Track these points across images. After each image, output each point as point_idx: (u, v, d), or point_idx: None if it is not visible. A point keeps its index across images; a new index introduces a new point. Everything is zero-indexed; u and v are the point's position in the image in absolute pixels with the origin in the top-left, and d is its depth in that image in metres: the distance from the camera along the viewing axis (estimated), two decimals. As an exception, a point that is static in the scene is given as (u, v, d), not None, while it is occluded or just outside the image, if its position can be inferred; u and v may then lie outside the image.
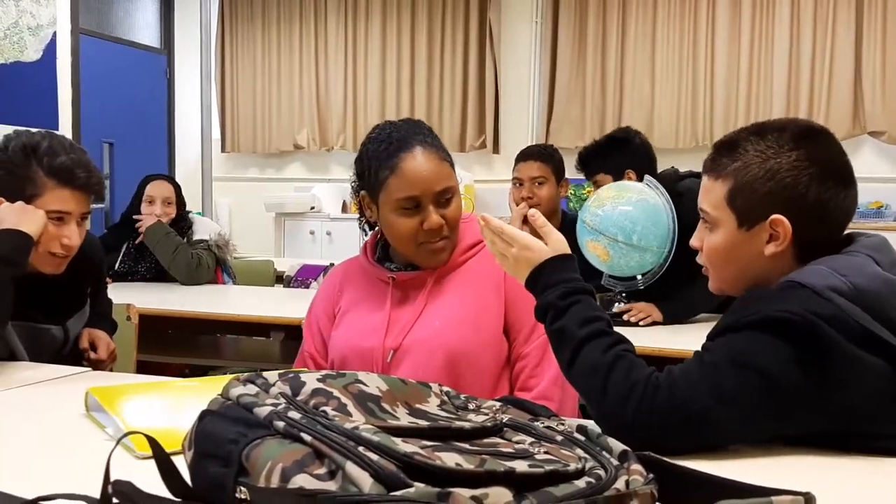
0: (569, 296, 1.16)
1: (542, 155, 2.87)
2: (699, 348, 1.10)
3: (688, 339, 2.10)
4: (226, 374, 2.12)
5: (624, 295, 2.46)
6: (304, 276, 3.41)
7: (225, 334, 3.23)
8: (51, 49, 4.46)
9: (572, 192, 4.80)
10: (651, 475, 0.74)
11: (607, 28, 5.59)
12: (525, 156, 2.89)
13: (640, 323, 2.33)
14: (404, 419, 0.83)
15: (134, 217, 3.21)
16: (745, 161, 1.14)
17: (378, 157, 1.44)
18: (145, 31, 6.25)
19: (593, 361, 1.10)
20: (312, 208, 6.01)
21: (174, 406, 1.21)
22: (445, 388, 0.96)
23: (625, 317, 2.35)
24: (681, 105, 5.45)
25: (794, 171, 1.11)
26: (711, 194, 1.18)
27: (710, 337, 1.11)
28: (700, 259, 1.24)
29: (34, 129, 1.67)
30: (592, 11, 5.60)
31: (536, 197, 2.79)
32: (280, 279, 3.65)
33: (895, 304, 1.06)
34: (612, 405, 1.05)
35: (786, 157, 1.11)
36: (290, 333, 2.65)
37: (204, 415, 0.82)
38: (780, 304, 1.04)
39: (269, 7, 6.44)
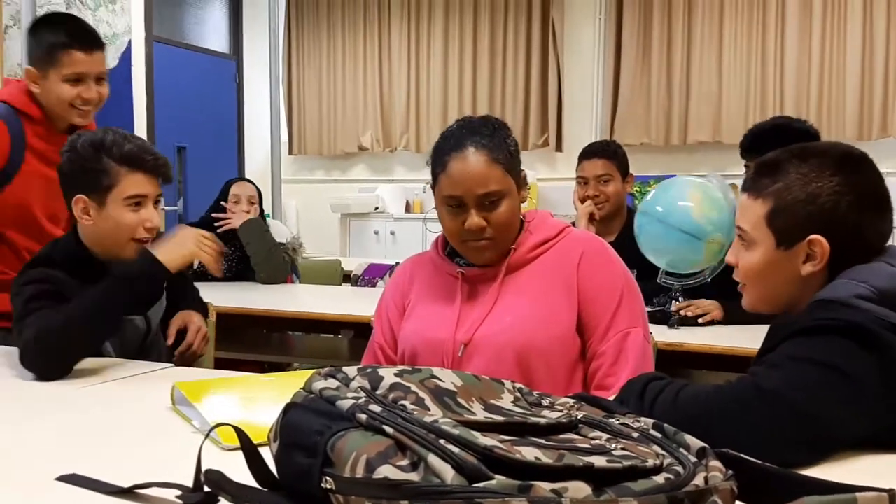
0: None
1: (606, 152, 2.83)
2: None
3: (744, 336, 2.06)
4: (295, 371, 2.17)
5: (680, 292, 2.43)
6: (371, 276, 3.46)
7: (296, 332, 3.30)
8: (126, 56, 4.62)
9: (637, 189, 4.74)
10: (730, 472, 0.74)
11: (673, 23, 5.51)
12: (589, 154, 2.86)
13: (700, 321, 2.29)
14: (480, 414, 0.84)
15: (214, 215, 3.29)
16: (786, 183, 1.16)
17: (437, 153, 1.49)
18: (215, 37, 6.41)
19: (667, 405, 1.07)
20: (377, 208, 6.09)
21: (255, 400, 1.25)
22: (518, 385, 0.97)
23: (682, 312, 2.31)
24: (750, 101, 5.34)
25: (835, 195, 1.13)
26: (750, 213, 1.20)
27: (754, 362, 1.12)
28: (736, 276, 1.26)
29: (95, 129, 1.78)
30: (658, 7, 5.53)
31: (603, 195, 2.76)
32: (347, 278, 3.71)
33: None
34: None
35: (827, 181, 1.14)
36: (359, 331, 2.70)
37: (289, 407, 0.85)
38: (815, 316, 1.07)
39: (334, 12, 6.54)
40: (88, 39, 2.09)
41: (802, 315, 1.10)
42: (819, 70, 5.17)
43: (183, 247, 1.65)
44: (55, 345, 1.53)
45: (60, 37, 2.05)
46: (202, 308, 1.97)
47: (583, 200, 2.78)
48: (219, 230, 3.24)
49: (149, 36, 5.27)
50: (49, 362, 1.54)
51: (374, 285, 3.42)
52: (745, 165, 2.45)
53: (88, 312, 1.57)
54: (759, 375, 1.03)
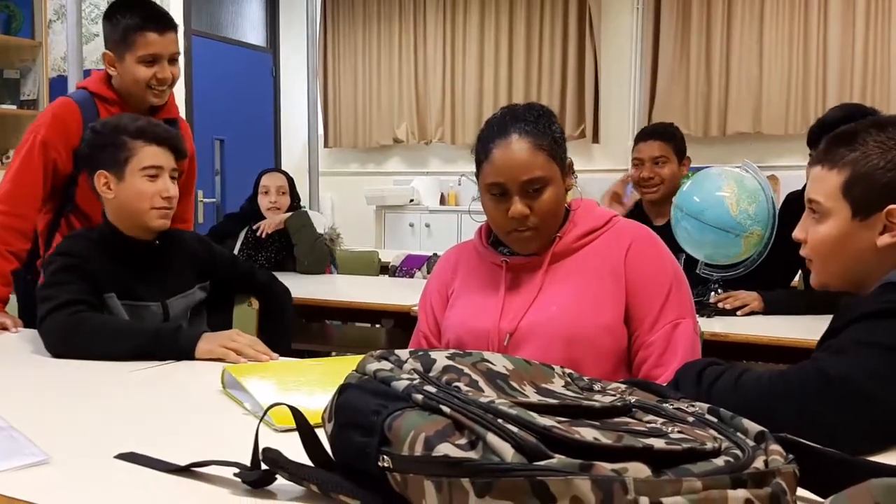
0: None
1: (664, 134, 2.79)
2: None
3: (788, 326, 2.04)
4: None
5: (720, 284, 2.40)
6: (409, 266, 3.48)
7: (335, 321, 3.32)
8: (166, 50, 4.66)
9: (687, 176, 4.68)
10: (791, 455, 0.73)
11: (712, 13, 5.43)
12: (645, 135, 2.82)
13: (738, 312, 2.27)
14: (533, 397, 0.84)
15: (263, 209, 3.35)
16: (864, 151, 1.14)
17: (481, 141, 1.48)
18: (252, 31, 6.46)
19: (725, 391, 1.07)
20: (412, 201, 6.11)
21: (304, 384, 1.27)
22: (568, 371, 0.97)
23: (720, 304, 2.29)
24: (791, 89, 5.25)
25: None
26: (825, 184, 1.17)
27: (818, 346, 1.11)
28: (804, 251, 1.23)
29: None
30: (696, -4, 5.46)
31: (658, 177, 2.72)
32: (384, 269, 3.73)
33: None
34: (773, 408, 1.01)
35: None
36: (399, 321, 2.71)
37: (343, 388, 0.86)
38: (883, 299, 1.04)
39: (369, 5, 6.55)
40: (161, 20, 2.16)
41: (870, 298, 1.08)
42: (863, 59, 5.06)
43: (217, 346, 1.60)
44: (76, 333, 1.65)
45: (134, 19, 2.12)
46: (282, 339, 1.99)
47: (637, 182, 2.76)
48: (255, 234, 3.33)
49: (187, 29, 5.34)
50: (60, 342, 1.66)
51: (412, 276, 3.43)
52: (810, 155, 2.41)
53: (117, 328, 1.69)
54: (823, 360, 1.02)
